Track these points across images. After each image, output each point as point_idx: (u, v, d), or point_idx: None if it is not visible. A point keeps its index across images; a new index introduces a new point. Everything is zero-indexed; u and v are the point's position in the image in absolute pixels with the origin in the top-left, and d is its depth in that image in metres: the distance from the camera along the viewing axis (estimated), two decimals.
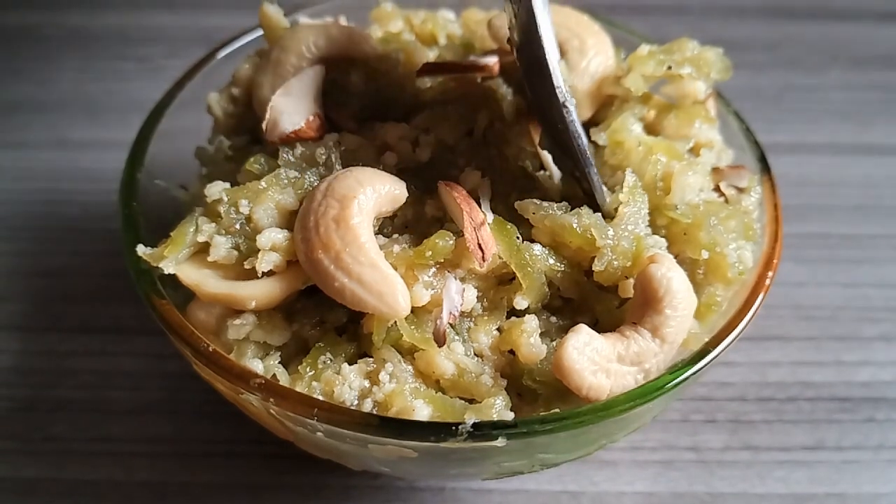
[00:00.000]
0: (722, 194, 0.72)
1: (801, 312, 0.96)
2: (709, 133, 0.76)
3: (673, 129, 0.75)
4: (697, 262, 0.67)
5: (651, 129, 0.75)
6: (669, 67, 0.72)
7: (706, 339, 0.64)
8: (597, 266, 0.64)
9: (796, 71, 1.31)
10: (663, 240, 0.67)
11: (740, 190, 0.73)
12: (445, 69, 0.75)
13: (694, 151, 0.74)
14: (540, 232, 0.66)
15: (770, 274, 0.68)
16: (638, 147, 0.70)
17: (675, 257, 0.65)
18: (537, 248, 0.65)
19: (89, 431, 0.84)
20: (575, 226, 0.64)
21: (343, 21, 0.83)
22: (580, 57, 0.74)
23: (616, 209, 0.66)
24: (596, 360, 0.59)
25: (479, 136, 0.73)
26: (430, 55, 0.81)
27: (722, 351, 0.63)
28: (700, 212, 0.68)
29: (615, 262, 0.64)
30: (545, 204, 0.65)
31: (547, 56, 0.65)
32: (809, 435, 0.85)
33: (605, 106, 0.75)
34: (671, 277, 0.60)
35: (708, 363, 0.62)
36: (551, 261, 0.65)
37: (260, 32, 0.83)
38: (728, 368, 0.90)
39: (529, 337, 0.63)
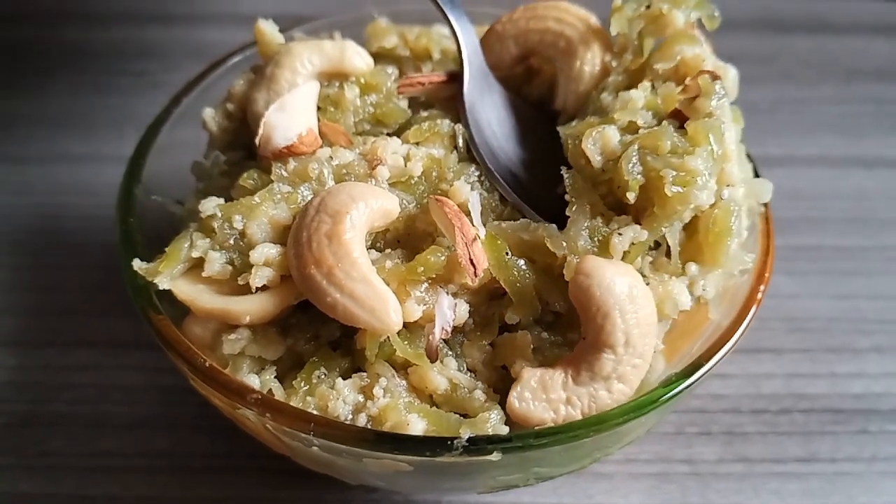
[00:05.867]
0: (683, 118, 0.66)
1: (793, 325, 0.97)
2: (695, 50, 0.72)
3: (659, 63, 0.72)
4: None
5: (639, 75, 0.74)
6: (648, 6, 0.73)
7: (699, 354, 0.64)
8: (567, 275, 0.62)
9: (788, 84, 1.32)
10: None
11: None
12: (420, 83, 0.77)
13: (680, 72, 0.71)
14: (513, 247, 0.65)
15: (762, 287, 0.68)
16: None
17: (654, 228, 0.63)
18: (522, 262, 0.65)
19: (86, 446, 0.84)
20: (526, 238, 0.64)
21: (338, 37, 0.84)
22: (569, 60, 0.75)
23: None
24: (551, 397, 0.59)
25: (467, 149, 0.74)
26: (426, 70, 0.81)
27: (715, 364, 0.63)
28: (622, 156, 0.63)
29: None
30: (503, 225, 0.65)
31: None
32: (803, 447, 0.85)
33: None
34: (597, 286, 0.58)
35: (702, 376, 0.62)
36: (530, 273, 0.64)
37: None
38: (722, 381, 0.90)
39: (522, 353, 0.63)
